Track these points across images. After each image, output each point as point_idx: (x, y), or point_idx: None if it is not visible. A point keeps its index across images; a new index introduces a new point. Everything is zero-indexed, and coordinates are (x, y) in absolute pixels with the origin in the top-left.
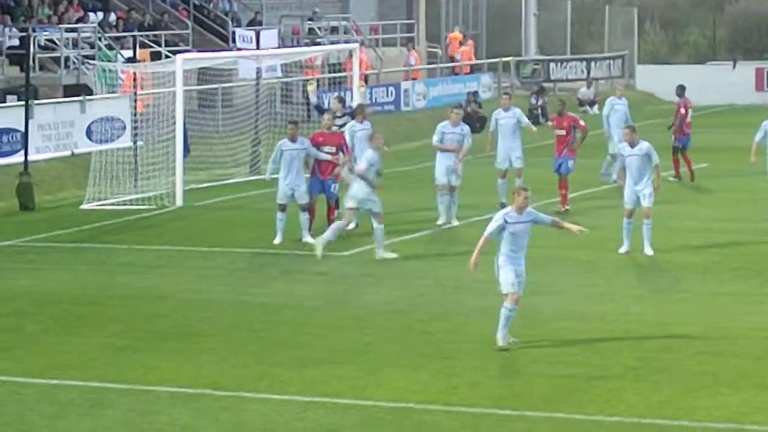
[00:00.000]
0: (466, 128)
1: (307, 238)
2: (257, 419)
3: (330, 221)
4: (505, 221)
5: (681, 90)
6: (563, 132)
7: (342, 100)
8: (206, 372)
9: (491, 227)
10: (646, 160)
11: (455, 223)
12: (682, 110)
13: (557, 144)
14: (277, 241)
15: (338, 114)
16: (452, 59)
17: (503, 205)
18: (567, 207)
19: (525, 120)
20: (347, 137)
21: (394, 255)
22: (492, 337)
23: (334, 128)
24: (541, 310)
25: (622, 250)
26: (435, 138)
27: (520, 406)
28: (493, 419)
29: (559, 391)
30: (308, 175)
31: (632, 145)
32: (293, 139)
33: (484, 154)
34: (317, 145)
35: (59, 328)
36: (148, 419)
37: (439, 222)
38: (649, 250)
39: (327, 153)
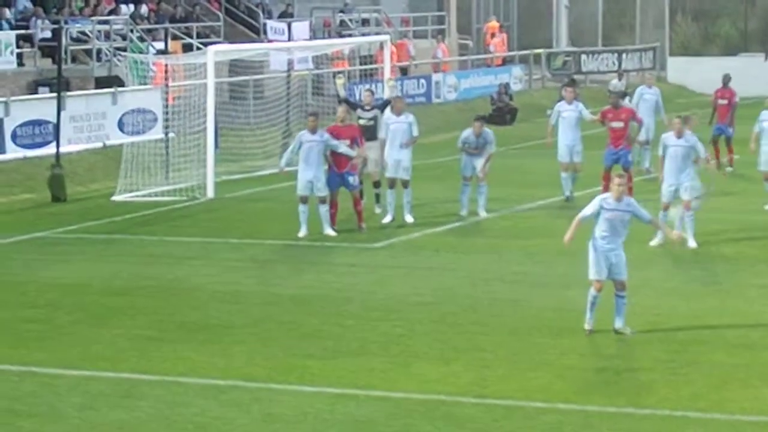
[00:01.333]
0: (490, 135)
1: (328, 231)
2: (287, 411)
3: (358, 213)
4: (602, 207)
5: (727, 80)
6: (621, 124)
7: (372, 93)
8: (236, 363)
9: (587, 210)
10: (690, 152)
11: (483, 215)
12: (722, 101)
13: (613, 137)
14: (301, 233)
15: (367, 107)
16: (487, 49)
17: (568, 199)
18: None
19: (587, 113)
20: (381, 129)
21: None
22: (522, 329)
23: (362, 121)
24: (573, 302)
25: (654, 242)
26: (459, 143)
27: (551, 398)
28: (524, 412)
29: (590, 384)
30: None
31: (679, 135)
32: (313, 131)
33: (514, 146)
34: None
35: (90, 320)
36: (178, 411)
37: (462, 213)
38: (692, 242)
39: (359, 157)
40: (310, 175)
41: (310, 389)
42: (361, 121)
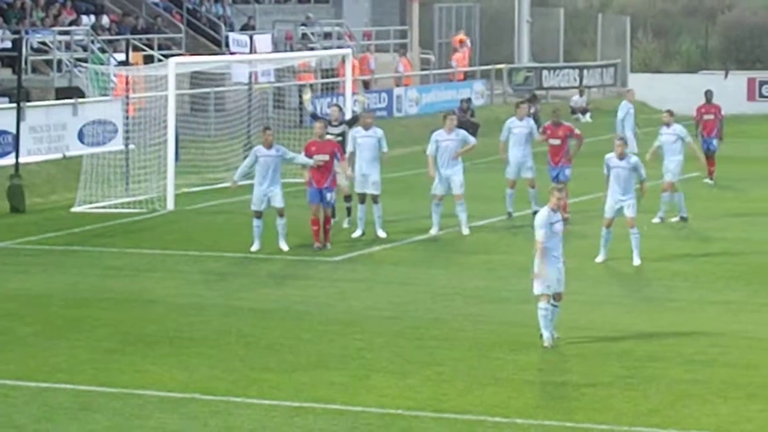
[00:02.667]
0: (462, 132)
1: (283, 245)
2: (246, 424)
3: (326, 231)
4: (550, 222)
5: (710, 95)
6: (558, 141)
7: (340, 108)
8: (195, 376)
9: (539, 233)
10: (632, 174)
11: (466, 232)
12: (708, 116)
13: (552, 154)
14: (254, 248)
15: (334, 123)
16: (450, 63)
17: (510, 215)
18: (567, 215)
19: (536, 132)
20: (349, 144)
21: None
22: (482, 344)
23: (329, 136)
24: (531, 317)
25: (599, 259)
26: (429, 148)
27: (509, 413)
28: (483, 426)
29: (548, 399)
30: (303, 180)
31: (620, 157)
32: (269, 146)
33: (477, 161)
34: (310, 155)
35: (49, 331)
36: (136, 423)
37: (432, 232)
38: (637, 260)
39: (318, 161)
40: (266, 189)
41: (268, 402)
42: (329, 137)
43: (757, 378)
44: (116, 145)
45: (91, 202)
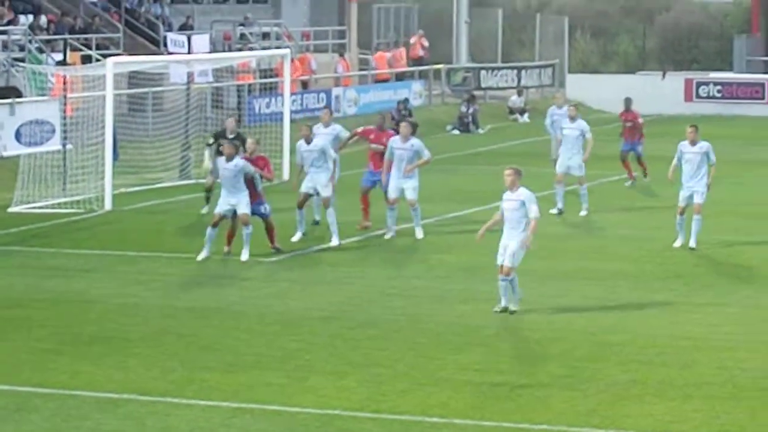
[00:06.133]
0: (417, 142)
1: (245, 257)
2: (183, 425)
3: (271, 240)
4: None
5: (629, 103)
6: (382, 147)
7: (238, 120)
8: (133, 377)
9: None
10: (704, 158)
11: (421, 236)
12: (627, 123)
13: (373, 159)
14: (200, 257)
15: (230, 134)
16: (415, 61)
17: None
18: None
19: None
20: (297, 156)
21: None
22: (421, 344)
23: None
24: (470, 317)
25: (677, 244)
26: (387, 153)
27: (448, 414)
28: (421, 427)
29: (486, 399)
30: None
31: (693, 143)
32: (230, 158)
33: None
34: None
35: None
36: (73, 424)
37: (390, 235)
38: (693, 243)
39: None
40: (230, 198)
41: (206, 403)
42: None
43: (694, 378)
44: (54, 145)
45: (28, 202)
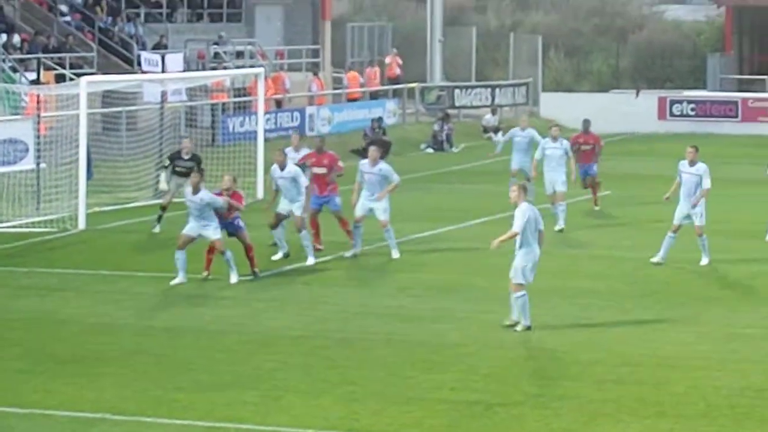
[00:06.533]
0: (386, 167)
1: (234, 279)
2: None
3: (252, 263)
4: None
5: (587, 125)
6: (324, 170)
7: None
8: (106, 396)
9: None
10: (701, 180)
11: (396, 255)
12: (586, 146)
13: (316, 182)
14: (176, 281)
15: (185, 156)
16: (391, 80)
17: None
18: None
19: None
20: (272, 181)
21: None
22: (395, 363)
23: (179, 169)
24: (444, 336)
25: (655, 259)
26: (357, 176)
27: None
28: None
29: (461, 417)
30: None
31: (691, 163)
32: (195, 190)
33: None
34: None
35: None
36: None
37: (352, 252)
38: (705, 260)
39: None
40: (201, 229)
41: (180, 422)
42: (178, 169)
43: (667, 396)
44: (27, 164)
45: (1, 222)
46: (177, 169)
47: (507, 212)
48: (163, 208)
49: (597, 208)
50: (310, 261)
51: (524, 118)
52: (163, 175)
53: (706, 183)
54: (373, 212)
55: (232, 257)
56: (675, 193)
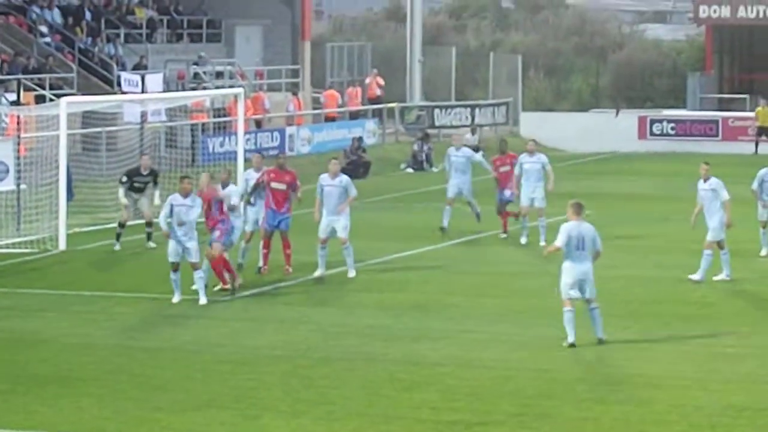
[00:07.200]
0: (345, 179)
1: (203, 300)
2: None
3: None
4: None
5: (504, 146)
6: (284, 186)
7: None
8: (86, 417)
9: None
10: (715, 195)
11: (353, 274)
12: (504, 168)
13: (275, 199)
14: (175, 299)
15: (144, 171)
16: (371, 100)
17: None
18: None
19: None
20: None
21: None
22: (374, 382)
23: (137, 185)
24: (424, 355)
25: (695, 277)
26: (317, 191)
27: None
28: None
29: None
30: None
31: (705, 179)
32: (185, 195)
33: (367, 200)
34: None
35: None
36: None
37: (317, 274)
38: (726, 273)
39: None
40: (182, 240)
41: None
42: (137, 185)
43: (649, 415)
44: (7, 185)
45: None
46: (135, 184)
47: (487, 232)
48: (122, 225)
49: (505, 236)
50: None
51: (456, 136)
52: (120, 191)
53: (724, 195)
54: (334, 231)
55: (203, 279)
56: (698, 215)
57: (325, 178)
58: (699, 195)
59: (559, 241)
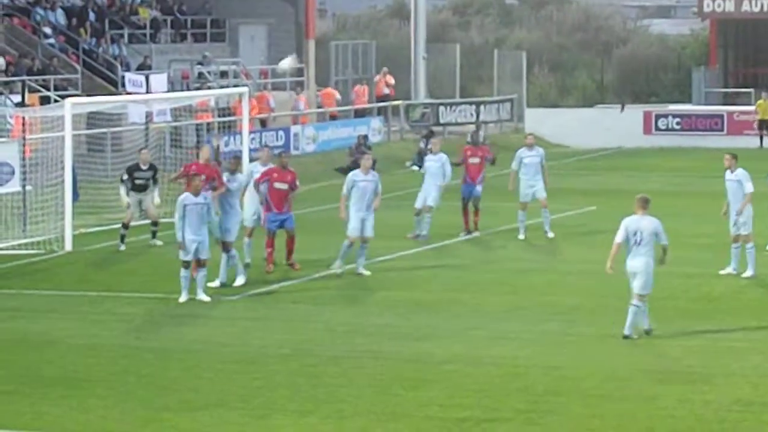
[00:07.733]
0: (377, 174)
1: (202, 296)
2: None
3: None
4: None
5: (476, 137)
6: (285, 186)
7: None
8: (93, 418)
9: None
10: (740, 186)
11: (366, 273)
12: (474, 159)
13: (276, 200)
14: (182, 299)
15: (143, 166)
16: (380, 98)
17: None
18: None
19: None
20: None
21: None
22: (383, 380)
23: (139, 181)
24: (431, 353)
25: (724, 271)
26: (345, 188)
27: None
28: None
29: None
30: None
31: (731, 170)
32: (196, 193)
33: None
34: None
35: None
36: None
37: (337, 270)
38: (751, 272)
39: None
40: (195, 238)
41: None
42: (138, 182)
43: (655, 411)
44: (13, 186)
45: None
46: (137, 181)
47: (492, 229)
48: (126, 225)
49: (477, 233)
50: (239, 281)
51: (436, 141)
52: (122, 189)
53: (748, 187)
54: (364, 228)
55: (204, 278)
56: (728, 208)
57: (357, 174)
58: (726, 186)
59: (618, 237)
